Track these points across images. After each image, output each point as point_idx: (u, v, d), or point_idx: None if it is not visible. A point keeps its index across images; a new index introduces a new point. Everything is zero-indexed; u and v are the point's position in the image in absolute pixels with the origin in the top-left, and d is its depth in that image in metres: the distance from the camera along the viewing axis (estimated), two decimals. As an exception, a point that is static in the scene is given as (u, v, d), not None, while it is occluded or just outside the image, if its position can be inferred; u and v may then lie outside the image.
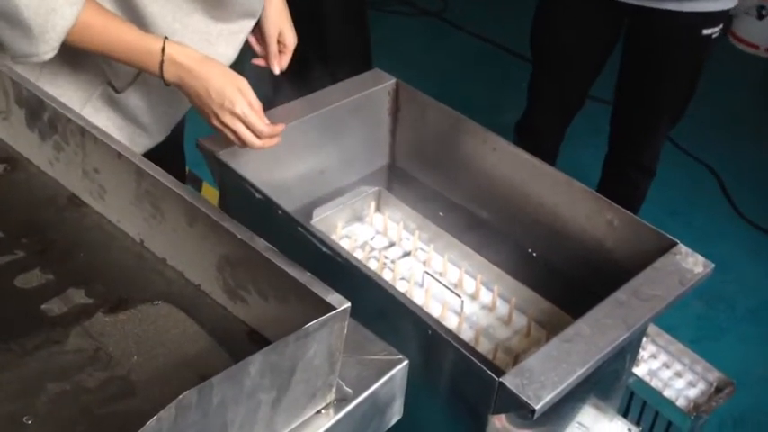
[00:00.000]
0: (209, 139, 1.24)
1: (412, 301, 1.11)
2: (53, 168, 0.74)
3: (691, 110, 2.36)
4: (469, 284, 1.28)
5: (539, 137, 1.92)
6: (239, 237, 0.60)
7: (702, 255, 1.10)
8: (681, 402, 1.55)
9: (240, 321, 0.63)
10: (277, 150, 1.30)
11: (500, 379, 0.90)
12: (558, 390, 0.90)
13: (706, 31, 1.51)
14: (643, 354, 1.64)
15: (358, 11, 1.89)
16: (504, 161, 1.32)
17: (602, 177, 1.93)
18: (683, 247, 1.11)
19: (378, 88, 1.42)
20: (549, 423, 1.13)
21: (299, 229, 1.13)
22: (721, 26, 1.51)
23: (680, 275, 1.07)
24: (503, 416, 1.00)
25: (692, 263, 1.09)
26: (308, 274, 0.58)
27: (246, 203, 1.21)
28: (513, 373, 0.91)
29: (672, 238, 1.12)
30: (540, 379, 0.91)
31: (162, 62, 1.00)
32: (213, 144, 1.23)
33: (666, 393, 1.55)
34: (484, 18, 3.01)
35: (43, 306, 0.63)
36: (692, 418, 1.53)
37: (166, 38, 1.02)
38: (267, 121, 1.14)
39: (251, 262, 0.60)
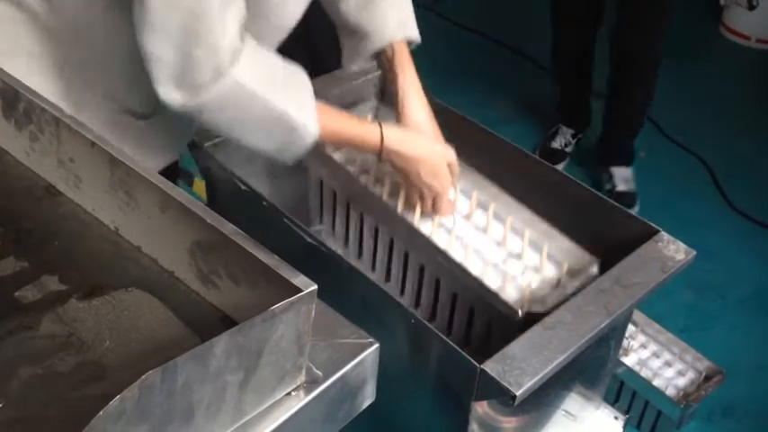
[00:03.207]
0: (196, 133, 1.24)
1: (394, 293, 1.11)
2: (29, 158, 0.74)
3: (681, 101, 2.38)
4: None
5: (574, 55, 2.24)
6: (209, 221, 0.60)
7: (693, 245, 1.11)
8: (670, 391, 1.56)
9: (213, 306, 0.64)
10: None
11: (481, 366, 0.91)
12: (539, 376, 0.91)
13: None
14: (633, 344, 1.65)
15: None
16: (489, 154, 1.32)
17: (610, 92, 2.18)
18: (665, 235, 1.12)
19: (364, 79, 1.42)
20: (535, 411, 1.13)
21: (285, 220, 1.13)
22: None
23: (662, 262, 1.07)
24: (485, 403, 1.00)
25: (673, 250, 1.10)
26: (276, 257, 0.58)
27: (233, 195, 1.21)
28: (494, 359, 0.92)
29: (654, 225, 1.12)
30: (520, 365, 0.91)
31: (381, 150, 1.10)
32: (200, 137, 1.24)
33: (656, 383, 1.56)
34: (476, 11, 3.01)
35: (17, 293, 0.63)
36: (682, 406, 1.53)
37: (380, 123, 1.11)
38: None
39: (221, 247, 0.60)
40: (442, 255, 1.10)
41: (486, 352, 0.93)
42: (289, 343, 0.55)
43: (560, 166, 2.38)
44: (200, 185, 2.12)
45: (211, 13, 0.81)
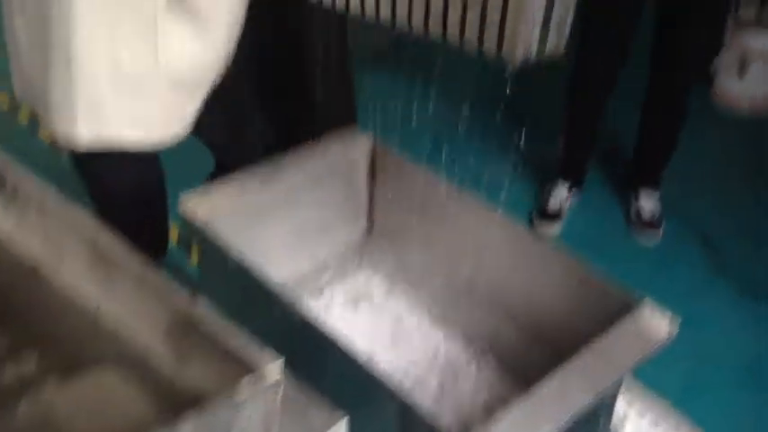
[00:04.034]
0: (189, 200, 1.26)
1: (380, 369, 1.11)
2: (15, 235, 0.76)
3: (673, 166, 2.40)
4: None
5: (594, 87, 2.24)
6: (185, 301, 0.62)
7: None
8: (666, 462, 1.53)
9: (187, 386, 0.65)
10: (254, 213, 1.33)
11: (464, 443, 0.90)
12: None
13: None
14: (629, 412, 1.62)
15: (344, 75, 1.90)
16: (479, 224, 1.33)
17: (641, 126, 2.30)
18: (649, 305, 1.12)
19: (354, 148, 1.44)
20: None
21: (276, 293, 1.14)
22: None
23: (647, 334, 1.07)
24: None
25: (659, 320, 1.10)
26: (248, 336, 0.59)
27: (226, 267, 1.22)
28: (477, 436, 0.91)
29: (638, 295, 1.13)
30: (501, 444, 0.90)
31: None
32: (192, 205, 1.26)
33: (651, 453, 1.53)
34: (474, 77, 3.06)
35: (-4, 370, 0.64)
36: (677, 479, 1.50)
37: None
38: None
39: (196, 326, 0.62)
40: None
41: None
42: (255, 424, 0.56)
43: (559, 225, 2.39)
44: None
45: None
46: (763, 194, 2.49)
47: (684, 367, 1.81)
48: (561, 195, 2.38)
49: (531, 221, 2.41)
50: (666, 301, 2.00)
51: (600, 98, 2.32)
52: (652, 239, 2.29)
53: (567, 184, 2.39)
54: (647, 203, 2.32)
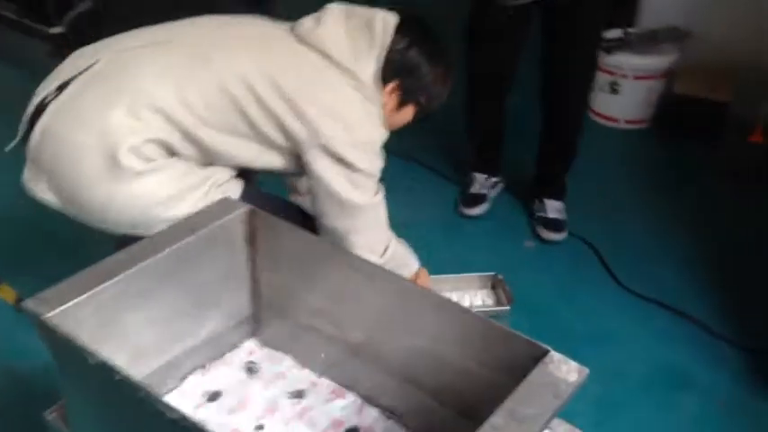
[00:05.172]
0: (35, 301, 1.10)
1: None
2: None
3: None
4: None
5: (484, 111, 2.41)
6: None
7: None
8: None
9: None
10: (120, 298, 1.18)
11: None
12: None
13: None
14: (547, 451, 1.56)
15: None
16: (369, 282, 1.24)
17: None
18: (555, 355, 1.05)
19: (231, 217, 1.33)
20: None
21: (140, 394, 1.00)
22: None
23: (554, 388, 1.01)
24: None
25: (565, 371, 1.03)
26: None
27: (83, 368, 1.07)
28: None
29: (544, 346, 1.06)
30: None
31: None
32: (39, 306, 1.10)
33: (576, 489, 1.48)
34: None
35: None
36: None
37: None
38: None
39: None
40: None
41: None
42: None
43: (483, 208, 2.46)
44: (6, 291, 2.06)
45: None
46: (649, 209, 2.52)
47: (597, 391, 1.75)
48: (480, 181, 2.48)
49: (456, 208, 2.49)
50: (570, 324, 1.98)
51: (493, 113, 2.41)
52: (556, 238, 2.31)
53: (484, 175, 2.49)
54: (552, 210, 2.36)
